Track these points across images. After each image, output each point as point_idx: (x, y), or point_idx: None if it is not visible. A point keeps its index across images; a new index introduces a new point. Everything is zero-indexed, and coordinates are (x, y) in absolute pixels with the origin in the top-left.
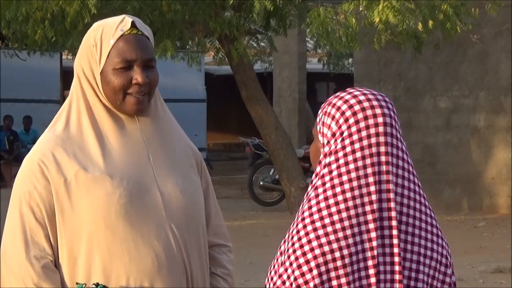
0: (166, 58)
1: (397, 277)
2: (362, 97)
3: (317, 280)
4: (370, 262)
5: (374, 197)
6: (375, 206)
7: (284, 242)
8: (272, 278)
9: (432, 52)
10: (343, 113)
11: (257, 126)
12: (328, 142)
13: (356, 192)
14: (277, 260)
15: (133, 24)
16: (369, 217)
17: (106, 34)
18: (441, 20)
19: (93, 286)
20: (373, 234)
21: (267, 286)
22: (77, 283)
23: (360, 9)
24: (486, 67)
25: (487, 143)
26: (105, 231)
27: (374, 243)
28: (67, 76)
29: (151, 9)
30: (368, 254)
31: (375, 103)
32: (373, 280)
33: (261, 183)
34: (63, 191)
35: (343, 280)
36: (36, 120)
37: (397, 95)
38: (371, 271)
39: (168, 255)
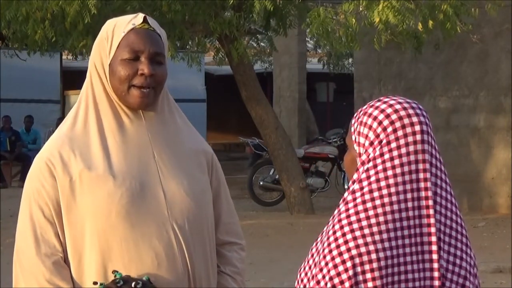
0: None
1: (436, 283)
2: (398, 106)
3: (352, 280)
4: (402, 268)
5: (410, 204)
6: (410, 213)
7: (316, 244)
8: (302, 280)
9: (432, 52)
10: (380, 123)
11: (257, 126)
12: (366, 151)
13: (394, 198)
14: (308, 262)
15: (145, 20)
16: (405, 223)
17: (118, 27)
18: (441, 20)
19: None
20: (407, 241)
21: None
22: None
23: (360, 9)
24: (486, 67)
25: (487, 143)
26: (106, 231)
27: (408, 250)
28: (67, 76)
29: (151, 9)
30: (401, 260)
31: (411, 111)
32: (410, 284)
33: (261, 183)
34: (68, 190)
35: (378, 283)
36: (36, 120)
37: (397, 95)
38: (403, 276)
39: (169, 255)
